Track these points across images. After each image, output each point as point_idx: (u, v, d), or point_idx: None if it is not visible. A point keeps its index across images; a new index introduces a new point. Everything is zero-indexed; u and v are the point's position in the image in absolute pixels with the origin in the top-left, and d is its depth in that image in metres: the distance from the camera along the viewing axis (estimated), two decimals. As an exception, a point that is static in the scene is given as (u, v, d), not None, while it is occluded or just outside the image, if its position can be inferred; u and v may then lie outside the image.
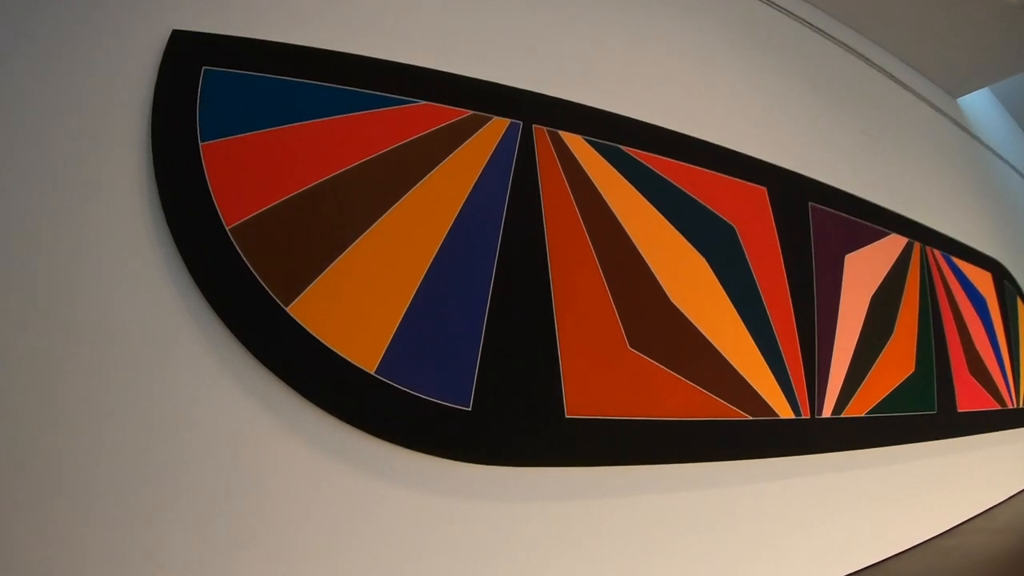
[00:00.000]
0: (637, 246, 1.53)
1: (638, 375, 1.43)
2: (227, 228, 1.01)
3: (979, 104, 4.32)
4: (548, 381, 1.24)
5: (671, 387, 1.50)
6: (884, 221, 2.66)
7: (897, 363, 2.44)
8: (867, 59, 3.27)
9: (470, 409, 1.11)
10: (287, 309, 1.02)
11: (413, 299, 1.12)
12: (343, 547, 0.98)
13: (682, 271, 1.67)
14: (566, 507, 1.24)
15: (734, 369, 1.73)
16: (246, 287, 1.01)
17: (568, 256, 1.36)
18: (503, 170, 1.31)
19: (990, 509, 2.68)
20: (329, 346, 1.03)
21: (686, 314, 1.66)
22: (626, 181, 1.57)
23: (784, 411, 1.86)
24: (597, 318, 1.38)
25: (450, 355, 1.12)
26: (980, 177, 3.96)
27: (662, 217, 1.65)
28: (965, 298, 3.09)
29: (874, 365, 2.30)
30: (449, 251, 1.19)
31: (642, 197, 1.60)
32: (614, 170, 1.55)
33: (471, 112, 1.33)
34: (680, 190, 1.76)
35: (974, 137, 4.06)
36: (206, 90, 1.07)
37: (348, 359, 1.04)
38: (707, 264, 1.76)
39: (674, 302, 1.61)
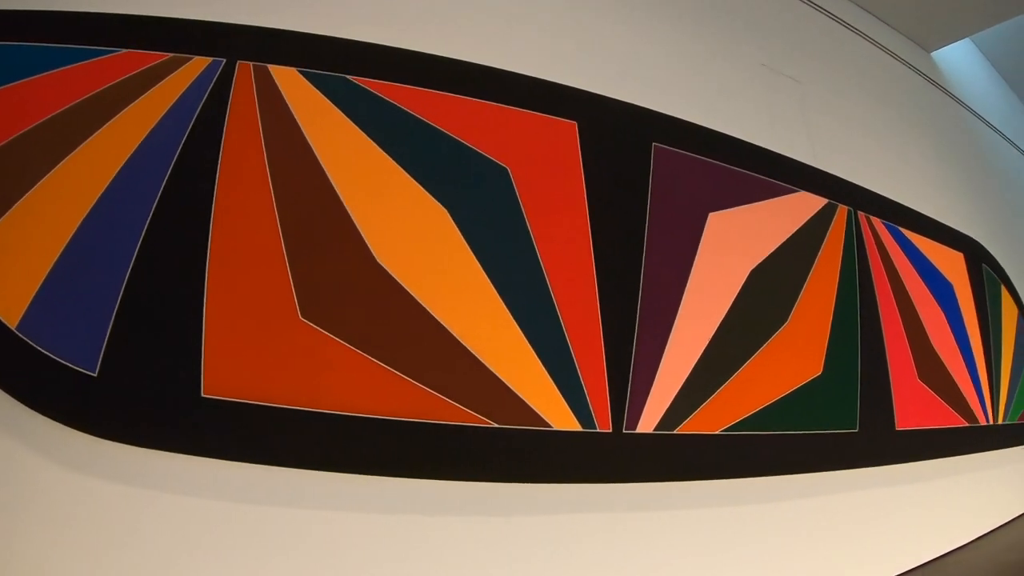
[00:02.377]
0: (340, 195, 1.19)
1: (309, 353, 1.09)
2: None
3: (960, 60, 3.62)
4: (186, 350, 1.02)
5: (358, 373, 1.11)
6: (790, 176, 2.04)
7: (791, 362, 1.81)
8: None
9: (95, 374, 0.97)
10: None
11: (62, 253, 1.01)
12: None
13: (404, 225, 1.24)
14: (187, 504, 0.98)
15: (472, 356, 1.21)
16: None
17: (238, 210, 1.11)
18: (185, 115, 1.12)
19: (939, 558, 2.02)
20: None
21: (399, 280, 1.19)
22: (346, 118, 1.24)
23: (562, 420, 1.27)
24: (262, 280, 1.10)
25: (85, 312, 1.00)
26: (957, 141, 3.26)
27: (389, 159, 1.26)
28: (920, 282, 2.42)
29: (747, 363, 1.67)
30: (106, 203, 1.06)
31: (364, 135, 1.25)
32: (332, 106, 1.24)
33: (171, 55, 1.15)
34: (428, 125, 1.32)
35: (952, 96, 3.38)
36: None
37: (-7, 314, 0.96)
38: (448, 217, 1.28)
39: (381, 263, 1.18)
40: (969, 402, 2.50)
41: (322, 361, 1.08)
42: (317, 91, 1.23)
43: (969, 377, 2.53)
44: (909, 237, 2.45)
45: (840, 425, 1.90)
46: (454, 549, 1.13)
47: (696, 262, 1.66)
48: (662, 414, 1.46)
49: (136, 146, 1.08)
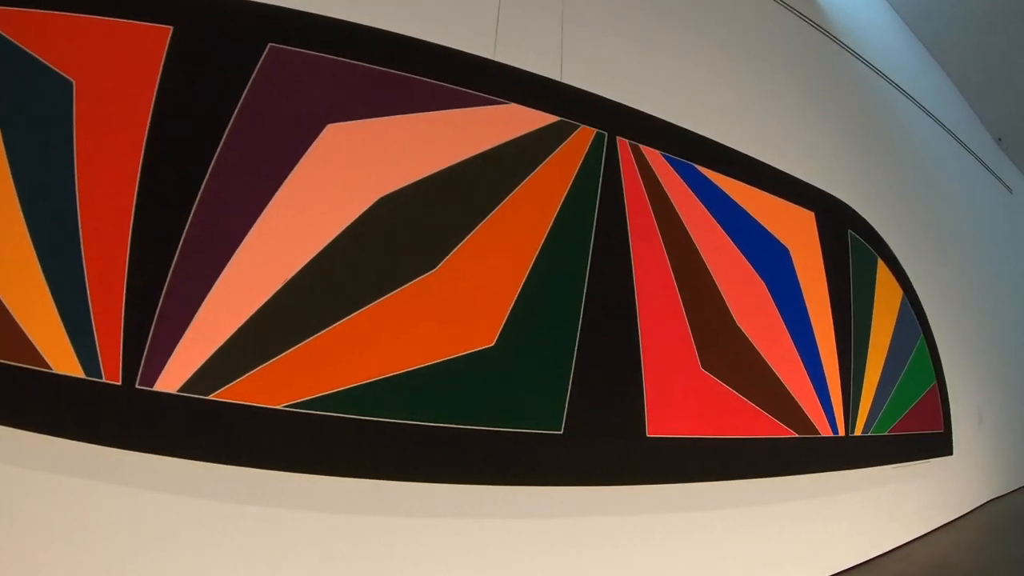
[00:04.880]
0: None
1: None
2: None
3: (856, 5, 3.05)
4: None
5: None
6: (494, 85, 1.45)
7: (436, 324, 1.22)
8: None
9: None
10: None
11: None
12: None
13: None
14: None
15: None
16: None
17: None
18: None
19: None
20: None
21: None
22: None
23: (64, 362, 1.00)
24: None
25: None
26: (836, 90, 2.65)
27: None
28: (724, 240, 1.81)
29: (348, 318, 1.15)
30: None
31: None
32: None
33: None
34: (7, 41, 1.12)
35: (834, 40, 2.79)
36: None
37: None
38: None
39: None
40: (803, 405, 1.87)
41: None
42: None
43: (805, 372, 1.91)
44: (716, 181, 1.86)
45: (528, 422, 1.30)
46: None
47: (288, 183, 1.19)
48: (193, 371, 1.06)
49: None
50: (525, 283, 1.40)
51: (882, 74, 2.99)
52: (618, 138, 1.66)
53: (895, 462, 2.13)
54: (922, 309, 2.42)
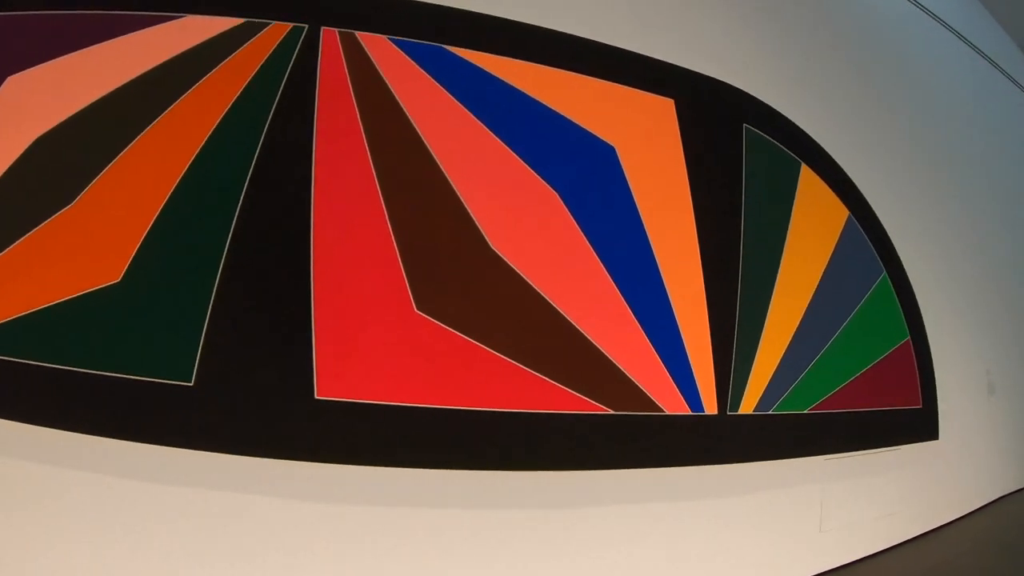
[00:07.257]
0: None
1: None
2: None
3: None
4: None
5: None
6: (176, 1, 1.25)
7: (65, 261, 1.06)
8: None
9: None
10: None
11: None
12: None
13: None
14: None
15: None
16: None
17: None
18: None
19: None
20: None
21: None
22: None
23: None
24: None
25: None
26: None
27: None
28: (485, 137, 1.32)
29: None
30: None
31: None
32: None
33: None
34: None
35: None
36: None
37: None
38: None
39: None
40: (623, 366, 1.30)
41: None
42: None
43: (631, 315, 1.32)
44: (487, 67, 1.38)
45: (153, 370, 1.04)
46: None
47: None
48: None
49: None
50: (163, 209, 1.13)
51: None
52: (324, 29, 1.31)
53: (827, 452, 1.42)
54: (886, 236, 1.63)
